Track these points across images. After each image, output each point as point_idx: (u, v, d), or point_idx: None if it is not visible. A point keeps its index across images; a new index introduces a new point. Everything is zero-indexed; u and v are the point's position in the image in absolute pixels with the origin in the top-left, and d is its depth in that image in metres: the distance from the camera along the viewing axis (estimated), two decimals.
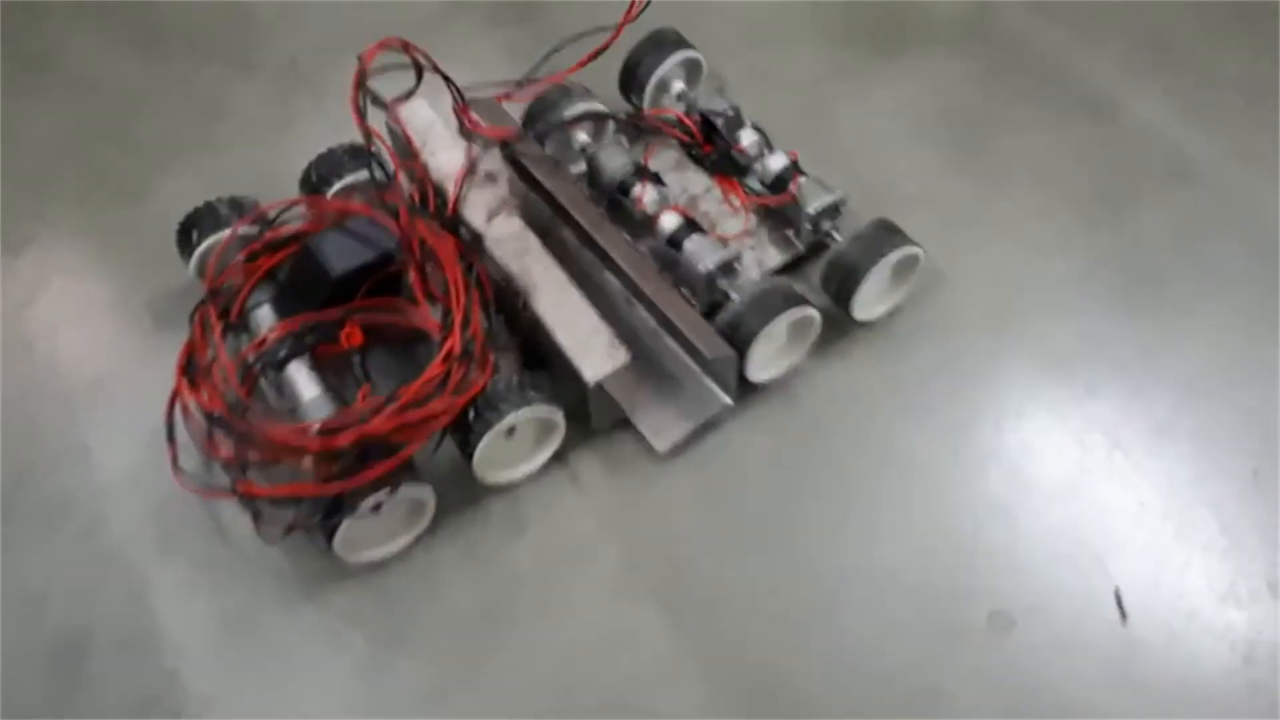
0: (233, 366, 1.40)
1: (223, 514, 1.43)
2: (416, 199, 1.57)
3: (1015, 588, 1.37)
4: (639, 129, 1.77)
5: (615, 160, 1.64)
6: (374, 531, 1.37)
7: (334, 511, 1.30)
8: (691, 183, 1.74)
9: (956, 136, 1.88)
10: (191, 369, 1.41)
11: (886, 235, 1.54)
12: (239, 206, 1.58)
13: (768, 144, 1.69)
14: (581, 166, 1.70)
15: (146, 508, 1.46)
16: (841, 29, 2.06)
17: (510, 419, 1.36)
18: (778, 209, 1.65)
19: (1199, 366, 1.56)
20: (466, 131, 1.59)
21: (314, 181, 1.62)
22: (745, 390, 1.53)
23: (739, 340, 1.46)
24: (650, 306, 1.52)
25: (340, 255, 1.42)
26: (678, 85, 1.80)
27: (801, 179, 1.62)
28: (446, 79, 1.54)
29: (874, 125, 1.91)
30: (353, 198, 1.57)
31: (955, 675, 1.31)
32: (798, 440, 1.52)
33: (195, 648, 1.36)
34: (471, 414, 1.37)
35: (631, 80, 1.81)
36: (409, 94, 1.52)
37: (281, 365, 1.43)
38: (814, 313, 1.51)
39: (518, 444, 1.44)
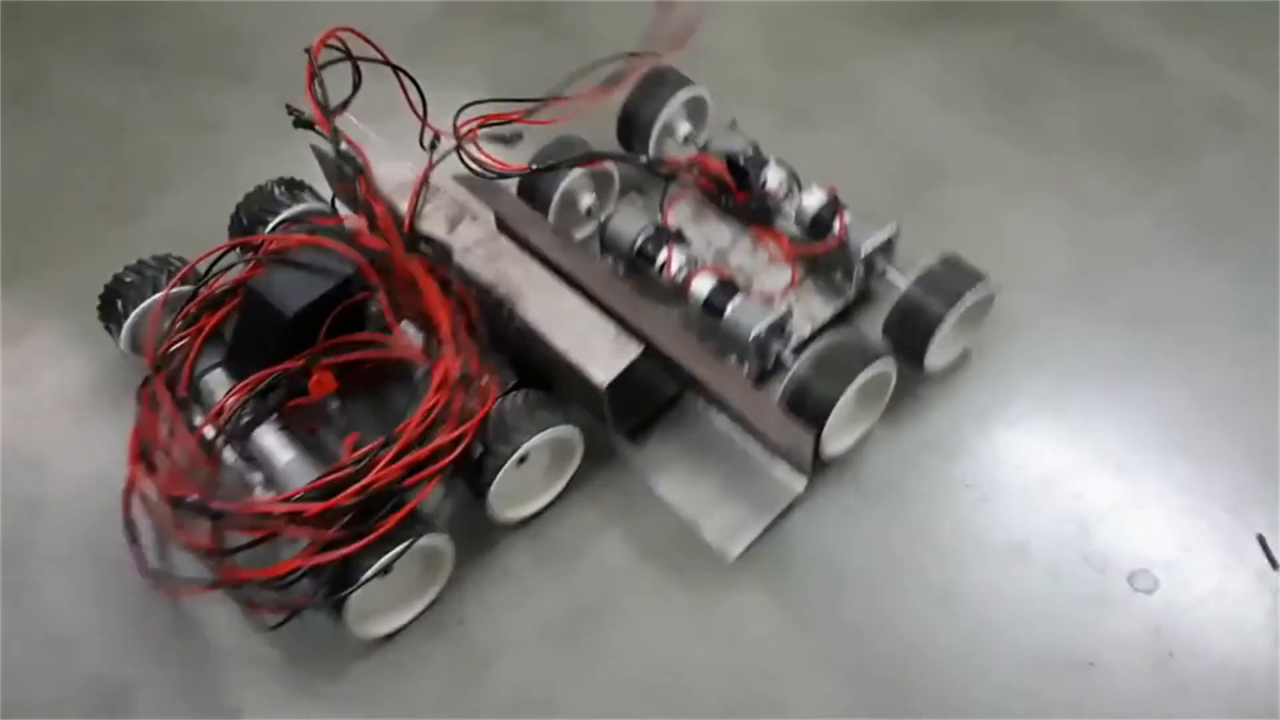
0: (194, 441, 1.21)
1: (198, 611, 1.24)
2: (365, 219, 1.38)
3: (1149, 546, 1.26)
4: (665, 179, 1.52)
5: (632, 223, 1.42)
6: (384, 598, 1.19)
7: (342, 581, 1.11)
8: (715, 234, 1.53)
9: (998, 105, 1.78)
10: (146, 452, 1.21)
11: (959, 275, 1.34)
12: (166, 265, 1.39)
13: (797, 181, 1.48)
14: (588, 230, 1.52)
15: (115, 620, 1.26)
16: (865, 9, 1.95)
17: (526, 446, 1.20)
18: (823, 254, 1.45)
19: None
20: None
21: (245, 224, 1.43)
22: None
23: (810, 411, 1.24)
24: (701, 388, 1.30)
25: (292, 292, 1.23)
26: (684, 127, 1.60)
27: (847, 216, 1.41)
28: (398, 71, 1.31)
29: (913, 100, 1.79)
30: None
31: (1105, 644, 1.19)
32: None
33: None
34: (479, 447, 1.19)
35: (632, 127, 1.59)
36: (345, 102, 1.32)
37: (247, 432, 1.24)
38: (890, 368, 1.31)
39: (529, 473, 1.27)
